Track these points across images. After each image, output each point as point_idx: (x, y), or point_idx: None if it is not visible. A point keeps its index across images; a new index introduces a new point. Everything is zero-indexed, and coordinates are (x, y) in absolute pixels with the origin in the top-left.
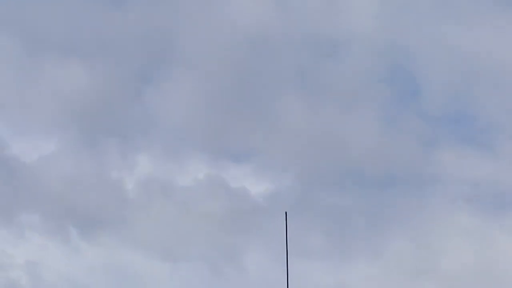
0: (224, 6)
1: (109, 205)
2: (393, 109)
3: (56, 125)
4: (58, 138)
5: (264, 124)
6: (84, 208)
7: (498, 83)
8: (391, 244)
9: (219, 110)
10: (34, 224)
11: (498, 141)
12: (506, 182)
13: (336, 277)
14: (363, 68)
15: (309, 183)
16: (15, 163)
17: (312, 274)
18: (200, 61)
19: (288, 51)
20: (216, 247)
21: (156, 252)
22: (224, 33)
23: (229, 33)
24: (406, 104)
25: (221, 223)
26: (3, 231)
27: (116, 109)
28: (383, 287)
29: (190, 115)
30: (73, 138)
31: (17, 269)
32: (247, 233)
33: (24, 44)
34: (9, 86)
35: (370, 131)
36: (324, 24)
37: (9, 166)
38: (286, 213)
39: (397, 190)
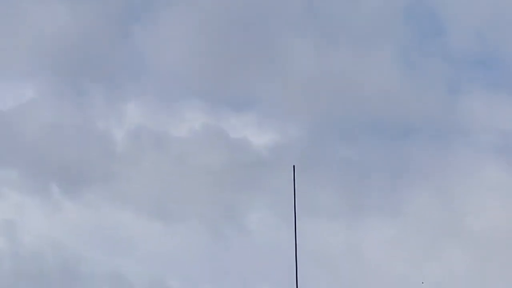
0: None
1: (95, 159)
2: (413, 50)
3: (35, 70)
4: (38, 84)
5: (268, 68)
6: (67, 163)
7: None
8: (410, 202)
9: (218, 52)
10: (12, 180)
11: None
12: None
13: (349, 238)
14: (380, 3)
15: (319, 133)
16: None
17: (322, 234)
18: None
19: None
20: (215, 206)
21: (148, 211)
22: None
23: None
24: (428, 44)
25: (221, 179)
26: None
27: (102, 51)
28: (400, 250)
29: (185, 57)
30: (54, 83)
31: None
32: (250, 190)
33: None
34: None
35: (388, 76)
36: None
37: None
38: (294, 167)
39: (418, 142)
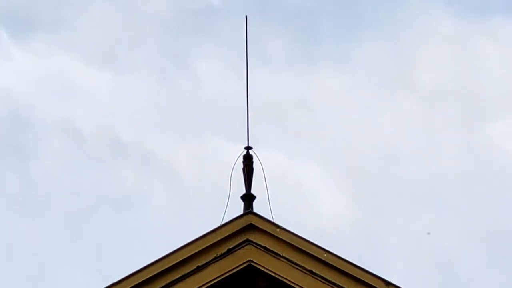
0: None
1: (43, 4)
2: None
3: None
4: None
5: None
6: (14, 9)
7: None
8: (362, 54)
9: None
10: None
11: None
12: None
13: (300, 90)
14: None
15: None
16: None
17: (274, 85)
18: None
19: None
20: (165, 53)
21: (97, 59)
22: None
23: None
24: None
25: (170, 26)
26: None
27: None
28: (351, 102)
29: None
30: None
31: None
32: (201, 38)
33: None
34: None
35: None
36: None
37: None
38: (246, 16)
39: None
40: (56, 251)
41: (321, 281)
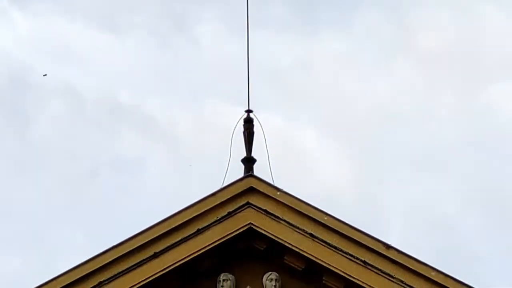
0: None
1: None
2: None
3: None
4: None
5: None
6: None
7: None
8: (362, 18)
9: None
10: None
11: None
12: None
13: (301, 53)
14: None
15: None
16: None
17: (275, 48)
18: None
19: None
20: (165, 16)
21: (96, 22)
22: None
23: None
24: None
25: None
26: None
27: None
28: (352, 65)
29: None
30: None
31: None
32: (201, 0)
33: None
34: None
35: None
36: None
37: None
38: None
39: None
40: (55, 214)
41: (321, 244)
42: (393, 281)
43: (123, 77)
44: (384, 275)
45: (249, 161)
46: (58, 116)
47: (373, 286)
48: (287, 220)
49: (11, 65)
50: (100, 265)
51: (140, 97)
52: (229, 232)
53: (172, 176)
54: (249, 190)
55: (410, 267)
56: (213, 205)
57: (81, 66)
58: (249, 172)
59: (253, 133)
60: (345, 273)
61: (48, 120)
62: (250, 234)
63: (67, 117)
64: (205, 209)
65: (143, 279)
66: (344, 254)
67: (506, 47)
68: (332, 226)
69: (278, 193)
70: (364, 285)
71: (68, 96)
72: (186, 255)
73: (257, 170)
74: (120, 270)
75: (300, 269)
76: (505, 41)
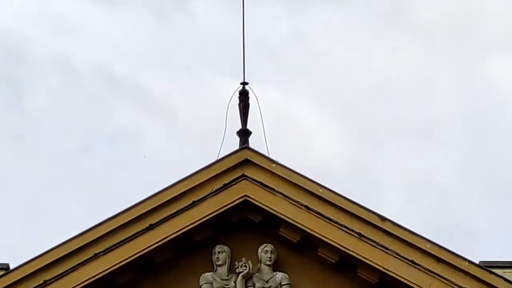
0: None
1: None
2: None
3: None
4: None
5: None
6: None
7: None
8: None
9: None
10: None
11: None
12: None
13: (297, 25)
14: None
15: None
16: None
17: (270, 20)
18: None
19: None
20: None
21: None
22: None
23: None
24: None
25: None
26: None
27: None
28: (348, 37)
29: None
30: None
31: None
32: None
33: None
34: None
35: None
36: None
37: None
38: None
39: None
40: (51, 187)
41: (316, 216)
42: (388, 253)
43: (119, 49)
44: (379, 247)
45: (244, 134)
46: (53, 89)
47: (368, 258)
48: (282, 192)
49: (6, 38)
50: (96, 237)
51: (135, 69)
52: (224, 204)
53: (167, 148)
54: (244, 162)
55: (405, 239)
56: (208, 177)
57: (76, 38)
58: (244, 144)
59: (248, 105)
60: (340, 245)
61: (43, 93)
62: (245, 206)
63: (62, 90)
64: (201, 181)
65: (138, 251)
66: (339, 226)
67: (506, 19)
68: (327, 198)
69: (274, 165)
70: (359, 257)
71: (63, 69)
72: (182, 227)
73: (253, 143)
74: (115, 242)
75: (295, 241)
76: (504, 13)
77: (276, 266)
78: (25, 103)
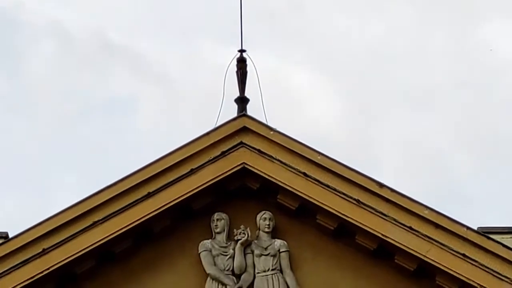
0: None
1: None
2: None
3: None
4: None
5: None
6: None
7: None
8: None
9: None
10: None
11: None
12: None
13: None
14: None
15: None
16: None
17: None
18: None
19: None
20: None
21: None
22: None
23: None
24: None
25: None
26: None
27: None
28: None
29: None
30: None
31: None
32: None
33: None
34: None
35: None
36: None
37: None
38: None
39: None
40: (47, 155)
41: (314, 183)
42: (386, 220)
43: (114, 16)
44: (377, 213)
45: (242, 101)
46: (49, 55)
47: (367, 224)
48: (280, 159)
49: (1, 5)
50: (94, 205)
51: (131, 36)
52: (222, 172)
53: (165, 116)
54: (242, 129)
55: (403, 205)
56: (206, 145)
57: (71, 4)
58: (242, 112)
59: (246, 73)
60: (338, 211)
61: (38, 59)
62: (244, 173)
63: (58, 56)
64: (199, 149)
65: (137, 219)
66: (337, 193)
67: None
68: (325, 165)
69: (272, 132)
70: (357, 223)
71: (58, 35)
72: (180, 195)
73: (250, 110)
74: (114, 210)
75: (294, 208)
76: None
77: (274, 233)
78: (20, 70)
